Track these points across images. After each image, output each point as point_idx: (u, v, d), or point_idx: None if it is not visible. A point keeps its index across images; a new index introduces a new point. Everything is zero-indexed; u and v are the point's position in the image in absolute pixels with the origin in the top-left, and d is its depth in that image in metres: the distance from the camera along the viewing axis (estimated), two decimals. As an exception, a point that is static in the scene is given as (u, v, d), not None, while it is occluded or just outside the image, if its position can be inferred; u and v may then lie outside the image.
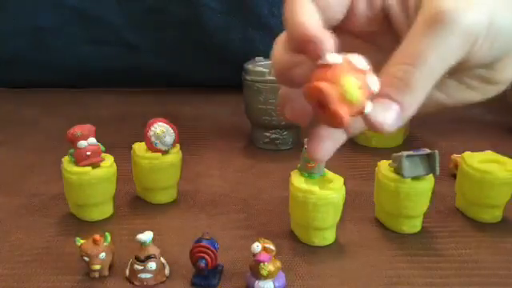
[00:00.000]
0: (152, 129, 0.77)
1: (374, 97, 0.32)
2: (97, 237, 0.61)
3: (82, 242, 0.62)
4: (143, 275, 0.60)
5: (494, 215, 0.74)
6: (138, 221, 0.75)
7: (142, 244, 0.60)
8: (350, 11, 0.37)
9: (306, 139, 0.68)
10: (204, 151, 1.01)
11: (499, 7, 0.33)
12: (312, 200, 0.65)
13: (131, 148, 0.80)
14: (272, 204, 0.80)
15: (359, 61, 0.31)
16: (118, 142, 1.00)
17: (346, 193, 0.68)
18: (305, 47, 0.32)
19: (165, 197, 0.80)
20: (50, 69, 1.39)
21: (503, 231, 0.72)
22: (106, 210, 0.76)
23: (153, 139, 0.77)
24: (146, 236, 0.60)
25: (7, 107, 1.29)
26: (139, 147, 0.79)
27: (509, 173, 0.71)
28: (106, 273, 0.62)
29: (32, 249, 0.68)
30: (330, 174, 0.70)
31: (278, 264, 0.59)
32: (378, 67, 0.33)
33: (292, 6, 0.33)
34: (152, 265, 0.60)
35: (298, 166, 0.70)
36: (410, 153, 0.68)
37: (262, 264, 0.57)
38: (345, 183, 0.68)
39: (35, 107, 1.28)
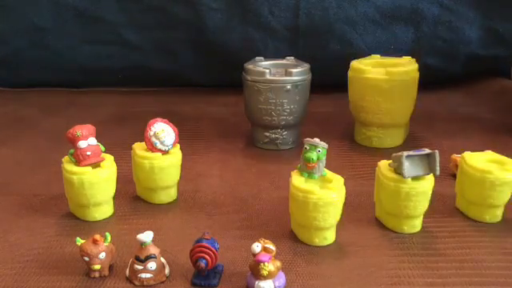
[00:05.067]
0: (152, 129, 0.77)
1: None
2: (97, 237, 0.61)
3: (82, 241, 0.62)
4: (143, 275, 0.60)
5: (494, 215, 0.74)
6: (138, 221, 0.75)
7: (142, 244, 0.60)
8: None
9: (306, 139, 0.69)
10: (204, 151, 1.01)
11: None
12: (312, 200, 0.65)
13: (131, 148, 0.80)
14: (272, 204, 0.80)
15: None
16: (118, 142, 1.00)
17: (346, 193, 0.68)
18: None
19: (165, 197, 0.80)
20: (50, 69, 1.39)
21: (503, 231, 0.72)
22: (106, 210, 0.76)
23: (153, 139, 0.77)
24: (146, 236, 0.60)
25: (7, 107, 1.29)
26: (139, 147, 0.79)
27: (509, 173, 0.71)
28: (106, 273, 0.62)
29: (32, 249, 0.68)
30: (330, 174, 0.70)
31: (278, 264, 0.59)
32: None
33: None
34: (152, 265, 0.60)
35: (298, 166, 0.70)
36: (410, 153, 0.68)
37: (262, 264, 0.57)
38: (345, 183, 0.68)
39: (35, 107, 1.28)
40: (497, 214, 0.74)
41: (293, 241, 0.70)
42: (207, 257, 0.59)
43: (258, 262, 0.58)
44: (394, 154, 0.70)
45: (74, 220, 0.75)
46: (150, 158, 0.77)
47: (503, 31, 1.31)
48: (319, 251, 0.68)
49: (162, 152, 0.78)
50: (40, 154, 1.00)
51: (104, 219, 0.76)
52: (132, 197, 0.82)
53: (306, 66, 0.99)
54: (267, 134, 1.01)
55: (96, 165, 0.74)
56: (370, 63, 1.01)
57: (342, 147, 1.02)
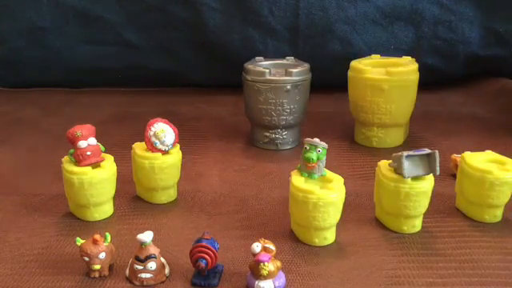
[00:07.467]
0: (152, 129, 0.77)
1: None
2: (97, 237, 0.61)
3: (82, 241, 0.62)
4: (143, 275, 0.60)
5: (494, 215, 0.74)
6: (138, 221, 0.75)
7: (142, 244, 0.60)
8: None
9: (306, 139, 0.69)
10: (204, 151, 1.01)
11: None
12: (312, 200, 0.65)
13: (131, 148, 0.80)
14: (272, 204, 0.80)
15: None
16: (118, 142, 1.00)
17: (346, 193, 0.68)
18: None
19: (165, 197, 0.80)
20: (50, 69, 1.39)
21: (503, 231, 0.72)
22: (105, 210, 0.76)
23: (153, 139, 0.77)
24: (146, 236, 0.60)
25: (7, 107, 1.29)
26: (139, 147, 0.79)
27: (509, 173, 0.71)
28: (106, 273, 0.62)
29: (32, 249, 0.68)
30: (329, 174, 0.70)
31: (278, 264, 0.59)
32: None
33: None
34: (152, 265, 0.60)
35: (298, 166, 0.70)
36: (410, 153, 0.68)
37: (262, 264, 0.57)
38: (345, 183, 0.68)
39: (35, 107, 1.28)
40: (497, 214, 0.74)
41: (293, 241, 0.70)
42: (207, 257, 0.59)
43: (258, 262, 0.58)
44: (394, 154, 0.70)
45: (74, 220, 0.75)
46: (150, 158, 0.77)
47: (503, 31, 1.31)
48: (319, 251, 0.68)
49: (162, 152, 0.78)
50: (40, 154, 1.00)
51: (104, 219, 0.76)
52: (132, 197, 0.82)
53: (306, 66, 0.99)
54: (267, 133, 1.01)
55: (96, 165, 0.74)
56: (369, 63, 1.01)
57: (342, 147, 1.02)
